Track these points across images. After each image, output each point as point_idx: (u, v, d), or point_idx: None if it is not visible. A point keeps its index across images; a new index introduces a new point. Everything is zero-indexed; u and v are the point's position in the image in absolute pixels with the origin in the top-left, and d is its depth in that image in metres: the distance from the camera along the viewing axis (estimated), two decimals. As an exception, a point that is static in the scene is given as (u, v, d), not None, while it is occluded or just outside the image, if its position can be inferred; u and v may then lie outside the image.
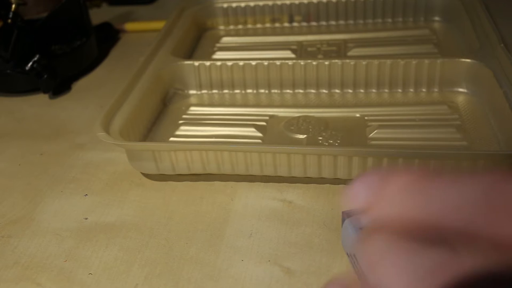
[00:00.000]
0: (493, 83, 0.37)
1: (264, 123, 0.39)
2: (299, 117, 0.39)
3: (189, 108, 0.42)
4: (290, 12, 0.54)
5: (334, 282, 0.15)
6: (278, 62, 0.42)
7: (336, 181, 0.33)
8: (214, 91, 0.44)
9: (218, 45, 0.52)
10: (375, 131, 0.36)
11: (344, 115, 0.39)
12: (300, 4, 0.53)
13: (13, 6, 0.46)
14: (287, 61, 0.42)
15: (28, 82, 0.47)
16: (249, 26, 0.55)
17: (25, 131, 0.43)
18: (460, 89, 0.41)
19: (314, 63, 0.42)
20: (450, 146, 0.35)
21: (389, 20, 0.53)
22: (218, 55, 0.50)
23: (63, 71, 0.48)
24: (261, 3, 0.54)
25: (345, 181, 0.33)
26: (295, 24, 0.54)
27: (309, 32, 0.53)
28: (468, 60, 0.40)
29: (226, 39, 0.53)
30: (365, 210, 0.14)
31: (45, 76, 0.46)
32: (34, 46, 0.47)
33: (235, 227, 0.31)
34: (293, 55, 0.48)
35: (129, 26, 0.59)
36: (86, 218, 0.33)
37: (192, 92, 0.44)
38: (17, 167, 0.38)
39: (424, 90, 0.41)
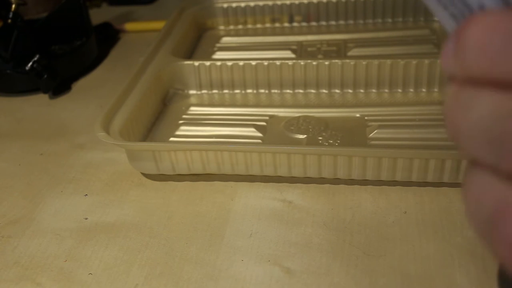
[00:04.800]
0: (493, 83, 0.36)
1: (264, 123, 0.39)
2: (299, 117, 0.39)
3: (189, 108, 0.42)
4: (290, 12, 0.54)
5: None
6: (278, 62, 0.42)
7: (336, 181, 0.33)
8: (214, 91, 0.44)
9: (218, 45, 0.52)
10: (375, 131, 0.36)
11: (344, 115, 0.39)
12: (300, 4, 0.53)
13: (13, 6, 0.46)
14: (287, 61, 0.42)
15: (28, 82, 0.47)
16: (249, 26, 0.55)
17: (25, 131, 0.43)
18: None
19: (314, 63, 0.42)
20: (450, 146, 0.35)
21: (389, 20, 0.53)
22: (218, 55, 0.50)
23: (63, 71, 0.48)
24: (261, 3, 0.54)
25: (345, 181, 0.33)
26: (295, 24, 0.54)
27: (309, 32, 0.53)
28: (468, 60, 0.40)
29: (226, 39, 0.53)
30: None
31: (45, 76, 0.46)
32: (34, 46, 0.47)
33: (235, 227, 0.31)
34: (293, 55, 0.48)
35: (129, 26, 0.59)
36: (86, 218, 0.33)
37: (192, 92, 0.44)
38: (17, 167, 0.38)
39: (424, 90, 0.41)
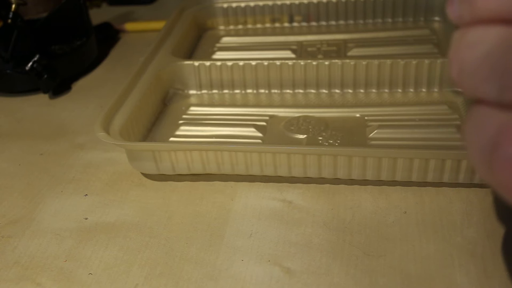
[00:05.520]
0: (493, 83, 0.36)
1: (264, 123, 0.39)
2: (299, 117, 0.39)
3: (189, 108, 0.42)
4: (290, 12, 0.54)
5: None
6: (278, 62, 0.42)
7: (336, 181, 0.33)
8: (214, 91, 0.44)
9: (218, 45, 0.52)
10: (375, 131, 0.37)
11: (344, 115, 0.39)
12: (300, 4, 0.53)
13: (13, 6, 0.46)
14: (287, 61, 0.42)
15: (28, 82, 0.47)
16: (249, 26, 0.55)
17: (25, 131, 0.43)
18: (460, 89, 0.41)
19: (314, 63, 0.42)
20: (450, 146, 0.35)
21: (389, 20, 0.53)
22: (218, 55, 0.50)
23: (63, 71, 0.48)
24: (261, 3, 0.54)
25: (345, 181, 0.33)
26: (295, 24, 0.54)
27: (309, 32, 0.53)
28: (468, 60, 0.40)
29: (226, 39, 0.53)
30: None
31: (45, 76, 0.46)
32: (34, 46, 0.47)
33: (235, 227, 0.31)
34: (293, 55, 0.48)
35: (129, 26, 0.59)
36: (86, 218, 0.33)
37: (192, 92, 0.44)
38: (17, 167, 0.38)
39: (424, 90, 0.41)
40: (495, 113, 0.14)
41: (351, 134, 0.37)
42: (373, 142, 0.36)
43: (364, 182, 0.33)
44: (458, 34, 0.15)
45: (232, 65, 0.43)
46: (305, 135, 0.37)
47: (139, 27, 0.59)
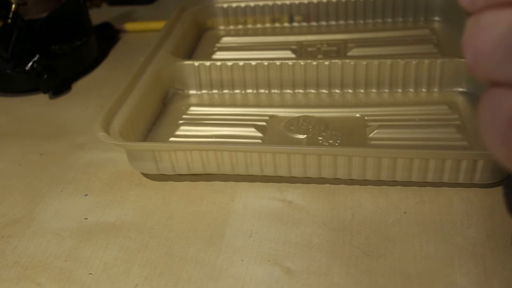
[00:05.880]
0: (493, 83, 0.36)
1: (264, 123, 0.39)
2: (299, 117, 0.39)
3: (189, 108, 0.42)
4: (290, 12, 0.54)
5: None
6: (278, 62, 0.42)
7: (336, 181, 0.33)
8: (214, 91, 0.44)
9: (218, 45, 0.52)
10: (375, 131, 0.37)
11: (344, 115, 0.39)
12: (300, 4, 0.53)
13: (13, 6, 0.46)
14: (287, 61, 0.42)
15: (28, 82, 0.47)
16: (249, 26, 0.55)
17: (25, 131, 0.43)
18: (460, 89, 0.41)
19: (314, 63, 0.42)
20: (450, 146, 0.35)
21: (389, 20, 0.53)
22: (218, 55, 0.50)
23: (63, 71, 0.48)
24: (261, 3, 0.54)
25: (345, 181, 0.33)
26: (295, 24, 0.54)
27: (309, 32, 0.53)
28: (468, 60, 0.40)
29: (226, 39, 0.53)
30: None
31: (45, 76, 0.46)
32: (34, 46, 0.47)
33: (235, 227, 0.31)
34: (293, 55, 0.48)
35: (129, 26, 0.59)
36: (86, 218, 0.33)
37: (192, 92, 0.44)
38: (17, 167, 0.38)
39: (424, 90, 0.41)
40: (510, 93, 0.14)
41: (351, 134, 0.37)
42: (373, 142, 0.36)
43: (364, 182, 0.33)
44: (471, 20, 0.15)
45: (232, 65, 0.43)
46: (305, 135, 0.37)
47: (139, 27, 0.59)
